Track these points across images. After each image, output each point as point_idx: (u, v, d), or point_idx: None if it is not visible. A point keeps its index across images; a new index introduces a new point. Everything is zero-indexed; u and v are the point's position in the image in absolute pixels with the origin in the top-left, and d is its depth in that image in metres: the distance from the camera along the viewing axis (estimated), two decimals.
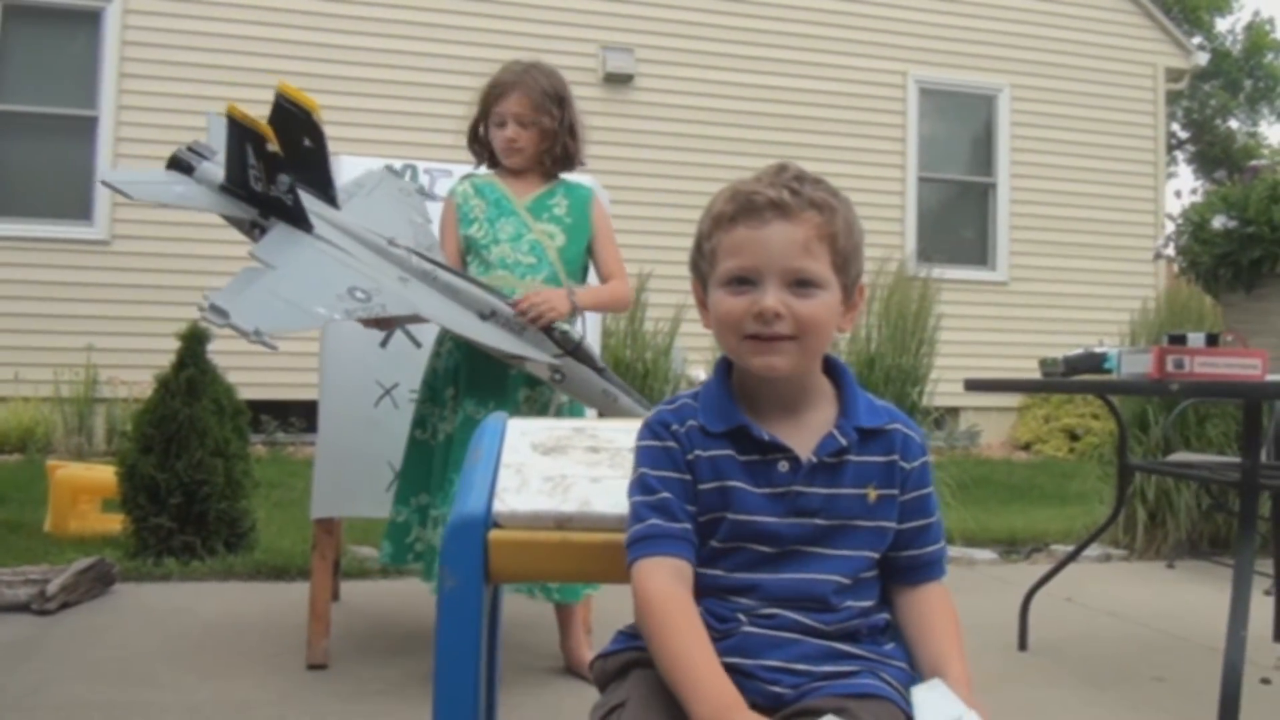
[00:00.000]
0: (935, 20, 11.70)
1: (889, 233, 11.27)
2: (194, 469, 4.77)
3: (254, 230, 3.00)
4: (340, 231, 3.02)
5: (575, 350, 3.07)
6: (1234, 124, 29.87)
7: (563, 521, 1.66)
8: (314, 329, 3.08)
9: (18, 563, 4.72)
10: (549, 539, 1.66)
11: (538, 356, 3.04)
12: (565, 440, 1.98)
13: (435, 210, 3.51)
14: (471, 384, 3.21)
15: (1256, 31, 29.58)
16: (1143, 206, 12.42)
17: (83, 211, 9.40)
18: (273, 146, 2.80)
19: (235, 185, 2.96)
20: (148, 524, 4.80)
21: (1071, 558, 4.18)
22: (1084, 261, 11.91)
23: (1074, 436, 10.69)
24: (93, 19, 9.52)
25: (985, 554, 5.90)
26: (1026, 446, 11.02)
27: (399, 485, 3.32)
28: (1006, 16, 11.96)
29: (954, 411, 11.04)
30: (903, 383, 5.77)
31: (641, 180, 9.94)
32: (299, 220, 2.94)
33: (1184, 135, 28.70)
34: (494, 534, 1.64)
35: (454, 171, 3.90)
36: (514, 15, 10.36)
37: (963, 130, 12.32)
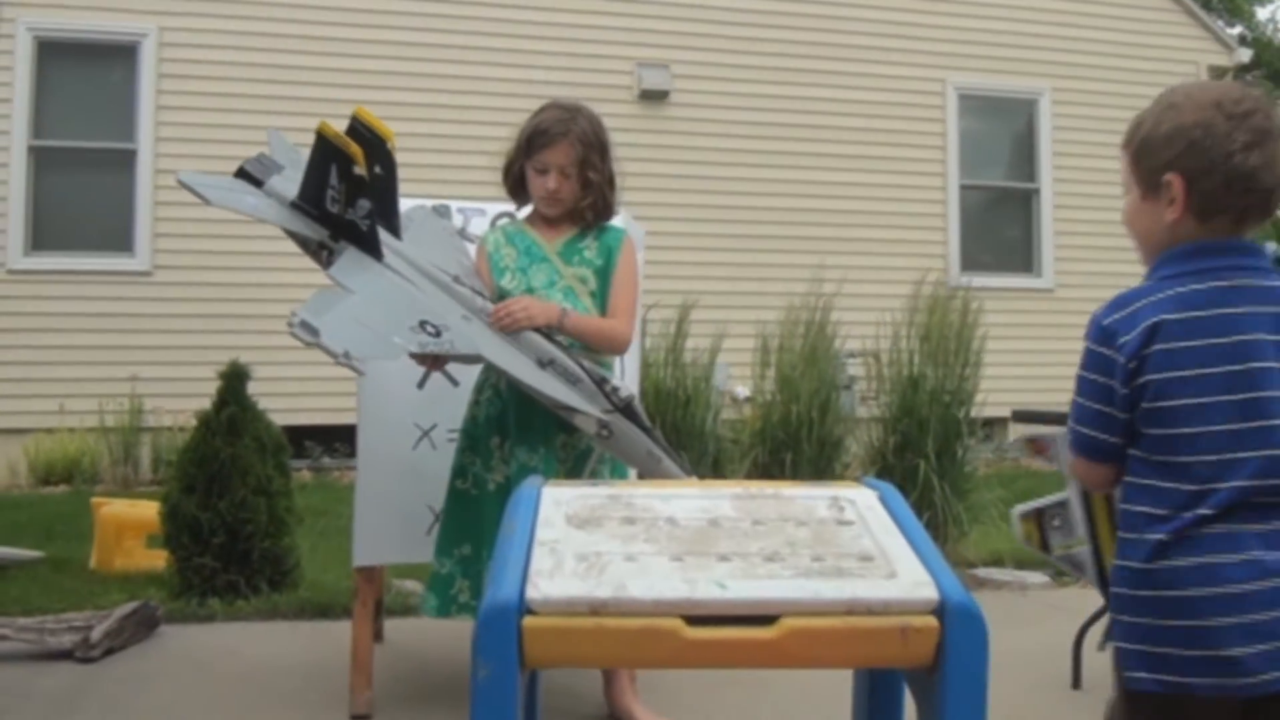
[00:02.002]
0: (973, 25, 11.56)
1: (931, 241, 11.15)
2: (237, 508, 4.77)
3: (321, 251, 2.96)
4: (407, 263, 2.99)
5: (626, 408, 3.03)
6: None
7: (597, 607, 1.61)
8: (392, 359, 3.02)
9: (63, 604, 4.76)
10: (584, 625, 1.61)
11: (588, 410, 2.99)
12: (601, 511, 1.93)
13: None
14: (521, 432, 3.16)
15: None
16: None
17: (124, 243, 9.46)
18: (360, 170, 2.77)
19: (308, 203, 2.92)
20: (191, 564, 4.81)
21: None
22: (1130, 266, 11.62)
23: None
24: (129, 52, 9.57)
25: (1037, 578, 5.79)
26: (1012, 414, 10.81)
27: (440, 536, 3.28)
28: (1045, 19, 11.80)
29: (1002, 422, 10.90)
30: (947, 405, 5.68)
31: (678, 197, 9.88)
32: (371, 247, 2.90)
33: None
34: (528, 621, 1.59)
35: (487, 210, 3.87)
36: (547, 35, 10.33)
37: (1004, 135, 12.17)
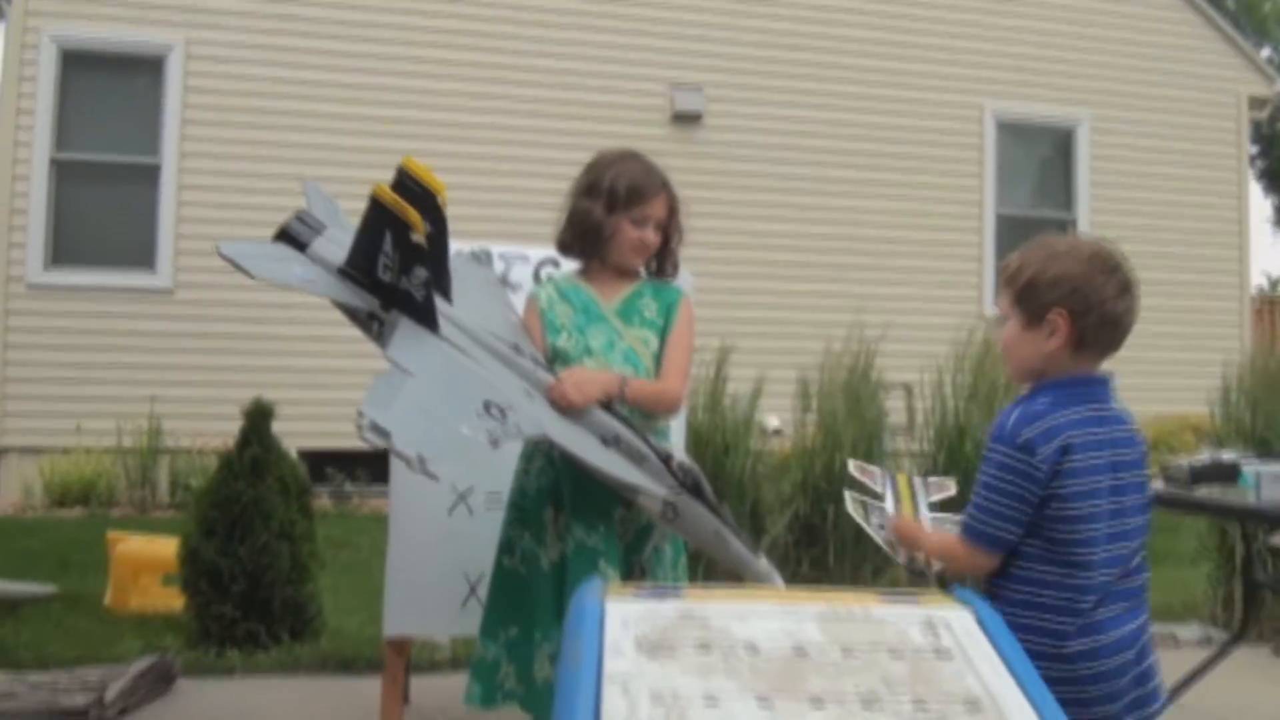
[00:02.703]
0: (1012, 51, 11.36)
1: (965, 271, 10.96)
2: (258, 553, 4.59)
3: (371, 322, 2.73)
4: (463, 333, 2.77)
5: (695, 486, 2.83)
6: None
7: None
8: (462, 456, 2.82)
9: (76, 651, 4.59)
10: None
11: (654, 490, 2.79)
12: (673, 633, 1.74)
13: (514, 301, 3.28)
14: (578, 507, 2.92)
15: None
16: (1227, 240, 12.00)
17: (146, 259, 9.31)
18: (418, 238, 2.57)
19: (357, 270, 2.69)
20: (210, 611, 4.62)
21: (1198, 674, 3.83)
22: (1168, 299, 11.47)
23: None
24: (155, 65, 9.42)
25: None
26: None
27: (485, 618, 3.03)
28: (1085, 46, 11.59)
29: None
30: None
31: (710, 221, 9.66)
32: (427, 318, 2.69)
33: (1253, 150, 28.05)
34: None
35: (530, 256, 3.68)
36: (578, 55, 10.17)
37: (1042, 164, 11.96)
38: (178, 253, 9.27)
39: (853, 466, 2.90)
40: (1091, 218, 11.56)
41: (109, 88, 9.58)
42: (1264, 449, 5.29)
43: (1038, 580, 2.18)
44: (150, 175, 9.37)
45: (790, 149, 10.60)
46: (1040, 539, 2.18)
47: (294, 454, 8.82)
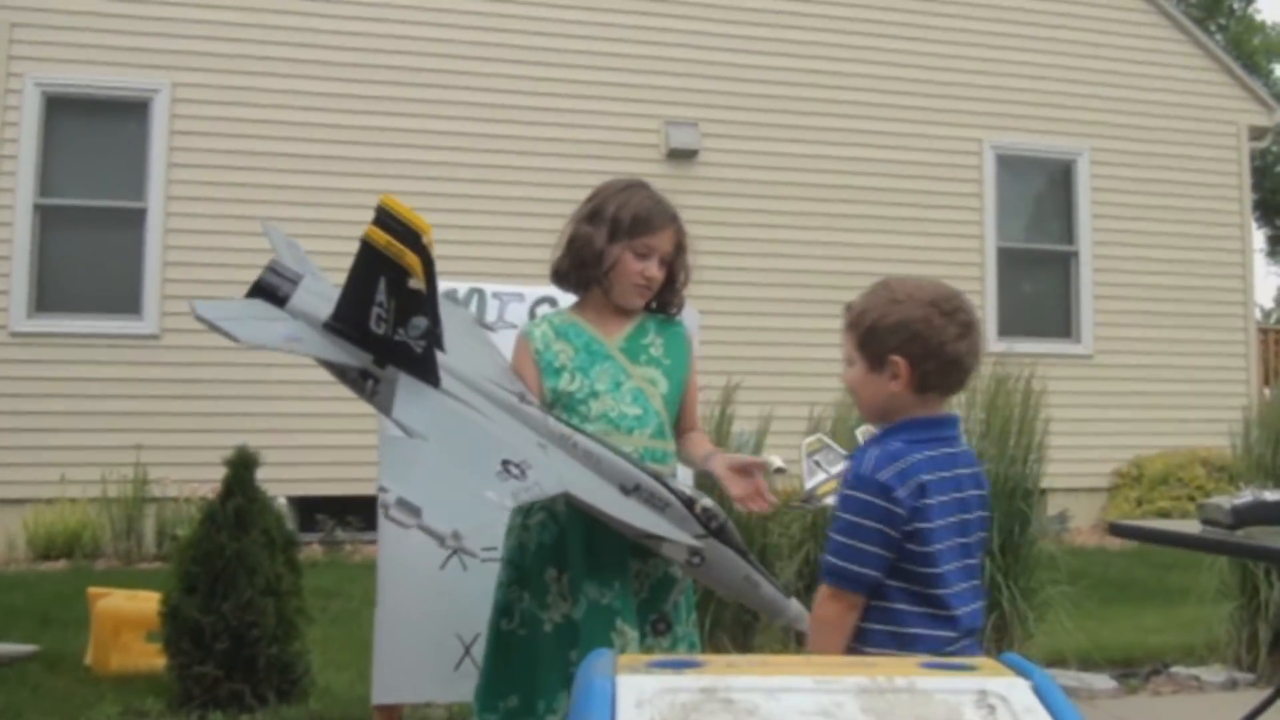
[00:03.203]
0: (1011, 85, 11.24)
1: None
2: (242, 610, 4.36)
3: (365, 381, 2.48)
4: (464, 384, 2.54)
5: (721, 530, 2.63)
6: None
7: None
8: (494, 525, 2.61)
9: (51, 716, 4.38)
10: None
11: (680, 538, 2.59)
12: (694, 714, 1.54)
13: (502, 344, 3.04)
14: (588, 563, 2.69)
15: None
16: (1230, 271, 11.85)
17: (131, 305, 9.12)
18: (417, 284, 2.33)
19: (346, 324, 2.42)
20: (191, 672, 4.39)
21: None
22: (1173, 331, 11.35)
23: (1167, 518, 10.07)
24: (140, 109, 9.27)
25: (1104, 681, 5.37)
26: (1109, 526, 10.39)
27: (482, 687, 2.80)
28: (1084, 79, 11.48)
29: (1040, 493, 10.48)
30: (1011, 494, 5.25)
31: (707, 259, 9.48)
32: (427, 372, 2.44)
33: None
34: None
35: (525, 294, 3.48)
36: (571, 92, 10.03)
37: (1042, 197, 11.83)
38: (164, 297, 9.08)
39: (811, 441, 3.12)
40: (1093, 250, 11.42)
41: (93, 131, 9.41)
42: None
43: (902, 618, 2.22)
44: (136, 219, 9.20)
45: (787, 185, 10.46)
46: (902, 579, 2.21)
47: (283, 501, 8.69)
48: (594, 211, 2.88)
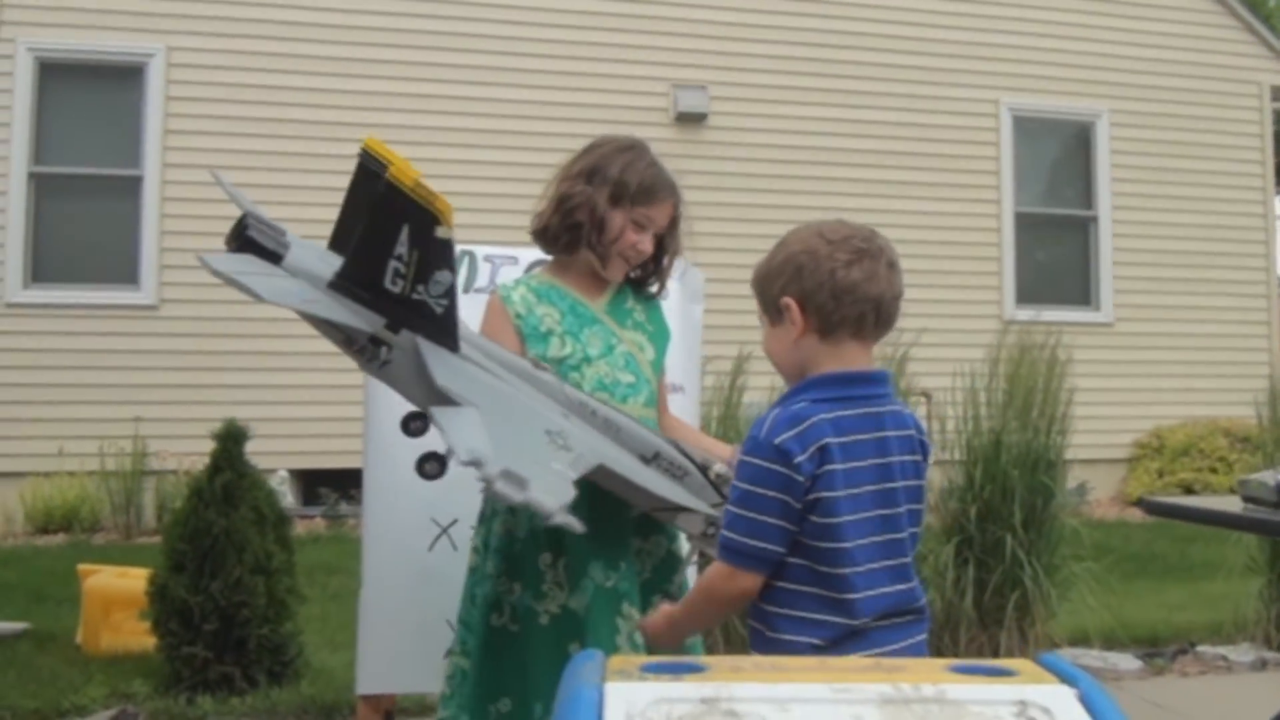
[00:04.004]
0: (1027, 44, 10.96)
1: (985, 273, 10.57)
2: (231, 589, 4.21)
3: (377, 348, 2.16)
4: (479, 350, 2.28)
5: None
6: None
7: None
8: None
9: (37, 698, 4.30)
10: None
11: (699, 507, 2.40)
12: None
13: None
14: (590, 545, 2.45)
15: None
16: (1253, 236, 11.59)
17: (129, 275, 8.95)
18: (445, 232, 2.05)
19: (354, 282, 2.10)
20: (180, 653, 4.24)
21: None
22: (1194, 298, 11.10)
23: (1189, 491, 9.86)
24: (135, 74, 9.07)
25: (1129, 661, 5.20)
26: (1138, 503, 10.19)
27: (470, 689, 2.56)
28: (1102, 38, 11.19)
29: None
30: (1034, 467, 5.05)
31: (715, 225, 9.28)
32: (446, 336, 2.15)
33: None
34: None
35: (519, 258, 3.28)
36: (577, 54, 9.80)
37: (1060, 160, 11.57)
38: (161, 267, 8.92)
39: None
40: (1112, 214, 11.16)
41: (88, 98, 9.22)
42: None
43: (804, 600, 2.00)
44: (132, 187, 9.02)
45: (797, 149, 10.22)
46: (802, 555, 1.99)
47: (285, 474, 8.54)
48: (593, 169, 2.64)
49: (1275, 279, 11.93)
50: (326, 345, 2.34)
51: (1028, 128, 11.11)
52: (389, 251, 2.02)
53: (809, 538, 1.98)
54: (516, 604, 2.55)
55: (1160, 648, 5.46)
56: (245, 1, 9.23)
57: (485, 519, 2.63)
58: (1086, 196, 11.32)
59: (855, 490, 1.99)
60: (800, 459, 1.94)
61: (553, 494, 1.91)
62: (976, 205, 10.72)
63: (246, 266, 2.12)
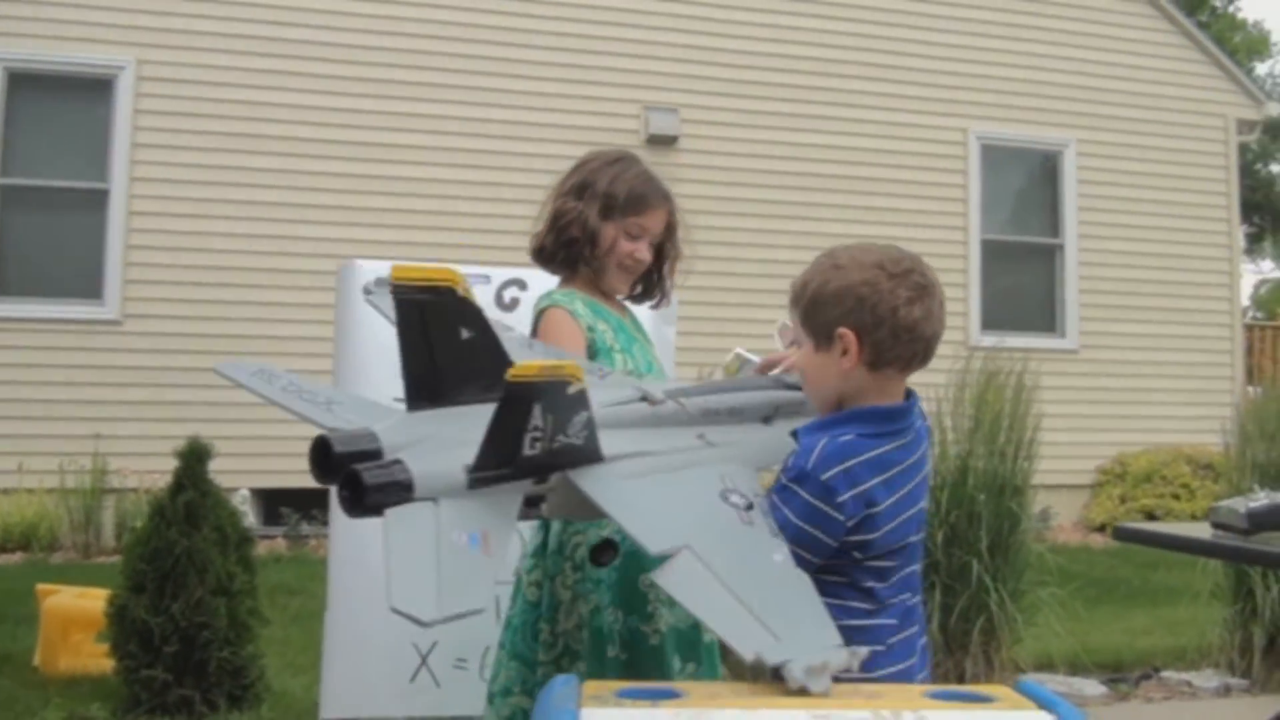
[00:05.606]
0: (997, 74, 11.06)
1: (952, 299, 10.49)
2: (192, 610, 4.14)
3: (535, 506, 1.92)
4: (609, 431, 1.95)
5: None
6: (1275, 169, 29.41)
7: None
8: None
9: None
10: None
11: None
12: None
13: None
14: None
15: None
16: (1218, 266, 11.72)
17: (92, 290, 8.85)
18: (578, 387, 1.81)
19: (492, 467, 1.82)
20: (139, 675, 4.16)
21: None
22: (1158, 327, 11.20)
23: (1151, 517, 9.92)
24: (105, 87, 8.99)
25: (1094, 687, 5.21)
26: (1101, 528, 10.25)
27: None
28: (1071, 68, 11.32)
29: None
30: (1000, 492, 5.05)
31: (686, 248, 9.31)
32: (592, 457, 1.91)
33: None
34: None
35: (491, 276, 3.26)
36: (549, 75, 9.80)
37: (1028, 188, 11.68)
38: (126, 282, 8.83)
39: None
40: (1079, 242, 11.27)
41: (56, 109, 9.13)
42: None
43: (840, 609, 1.89)
44: (98, 201, 8.93)
45: (768, 173, 10.26)
46: (840, 575, 1.97)
47: (246, 493, 8.44)
48: (582, 185, 2.65)
49: (1239, 309, 12.06)
50: (291, 364, 2.28)
51: (996, 156, 11.19)
52: (524, 428, 1.79)
53: (852, 566, 1.97)
54: (623, 630, 2.46)
55: (1125, 673, 5.48)
56: (216, 16, 9.18)
57: (540, 552, 2.52)
58: (1053, 225, 11.41)
59: (893, 524, 1.98)
60: (844, 498, 1.91)
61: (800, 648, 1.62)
62: (944, 232, 10.76)
63: (420, 566, 1.70)
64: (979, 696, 1.53)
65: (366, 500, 1.70)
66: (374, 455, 1.77)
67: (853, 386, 2.02)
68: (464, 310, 1.87)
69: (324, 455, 1.79)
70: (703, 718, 1.41)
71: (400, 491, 1.72)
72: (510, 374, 1.70)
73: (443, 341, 1.88)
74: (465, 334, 1.88)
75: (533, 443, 1.74)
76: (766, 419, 2.19)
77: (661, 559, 1.74)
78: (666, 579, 1.72)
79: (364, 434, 1.82)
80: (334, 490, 1.77)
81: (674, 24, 10.23)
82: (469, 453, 1.76)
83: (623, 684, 1.55)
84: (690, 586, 1.70)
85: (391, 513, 1.68)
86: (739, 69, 10.32)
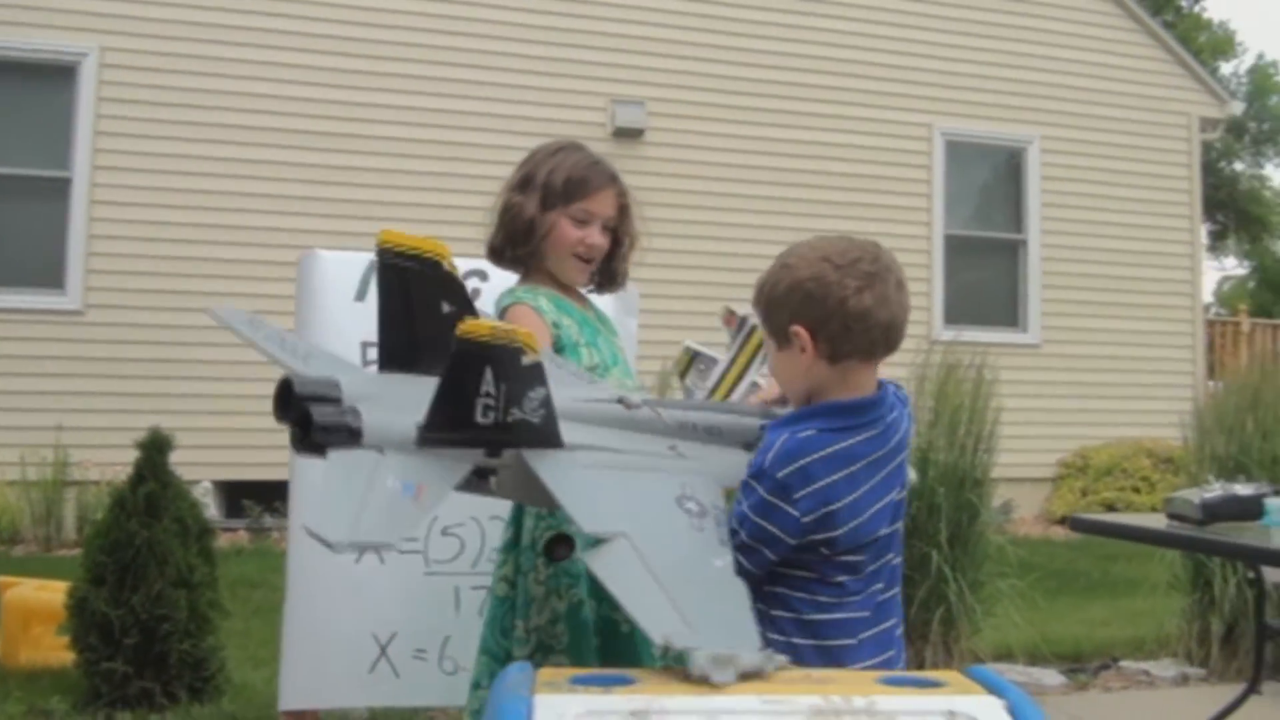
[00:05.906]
0: (962, 70, 11.14)
1: (915, 293, 10.54)
2: (153, 603, 4.11)
3: (485, 480, 1.94)
4: (573, 422, 1.95)
5: None
6: (1239, 167, 29.68)
7: None
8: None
9: None
10: None
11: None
12: None
13: None
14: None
15: (1260, 75, 29.59)
16: (1180, 263, 11.85)
17: (54, 280, 8.79)
18: (532, 358, 1.81)
19: (443, 430, 1.84)
20: (99, 668, 4.13)
21: None
22: (1120, 322, 11.31)
23: (1112, 509, 10.01)
24: (67, 73, 8.92)
25: (1052, 676, 5.25)
26: (1062, 521, 10.34)
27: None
28: (1036, 65, 11.41)
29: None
30: (960, 484, 5.10)
31: (653, 241, 9.30)
32: (548, 439, 1.91)
33: None
34: None
35: (490, 274, 3.23)
36: (515, 67, 9.80)
37: (991, 184, 11.78)
38: (88, 271, 8.77)
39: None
40: (1042, 239, 11.37)
41: (17, 97, 9.04)
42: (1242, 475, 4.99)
43: (808, 603, 1.98)
44: (60, 189, 8.86)
45: (734, 167, 10.30)
46: (808, 570, 1.98)
47: (208, 485, 8.40)
48: (525, 179, 2.61)
49: (1200, 305, 12.18)
50: (252, 354, 2.26)
51: (960, 152, 11.28)
52: (475, 392, 1.80)
53: (818, 558, 1.96)
54: (597, 620, 2.46)
55: (1083, 663, 5.53)
56: (181, 4, 9.12)
57: (512, 547, 2.50)
58: (1016, 220, 11.51)
59: (860, 519, 1.97)
60: (799, 495, 1.91)
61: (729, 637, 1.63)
62: (907, 227, 10.82)
63: (347, 501, 1.71)
64: (929, 682, 1.54)
65: (313, 436, 1.73)
66: (334, 402, 1.80)
67: (817, 382, 2.02)
68: (448, 283, 1.89)
69: (286, 396, 1.81)
70: (655, 704, 1.42)
71: (347, 436, 1.75)
72: (460, 330, 1.72)
73: (424, 312, 1.90)
74: (447, 308, 1.90)
75: (485, 410, 1.74)
76: (748, 446, 2.13)
77: (596, 541, 1.74)
78: (595, 560, 1.73)
79: (327, 381, 1.85)
80: (290, 481, 1.78)
81: (641, 16, 10.25)
82: (425, 414, 1.80)
83: (577, 670, 1.57)
84: (616, 569, 1.70)
85: (335, 453, 1.70)
86: (706, 63, 10.35)
